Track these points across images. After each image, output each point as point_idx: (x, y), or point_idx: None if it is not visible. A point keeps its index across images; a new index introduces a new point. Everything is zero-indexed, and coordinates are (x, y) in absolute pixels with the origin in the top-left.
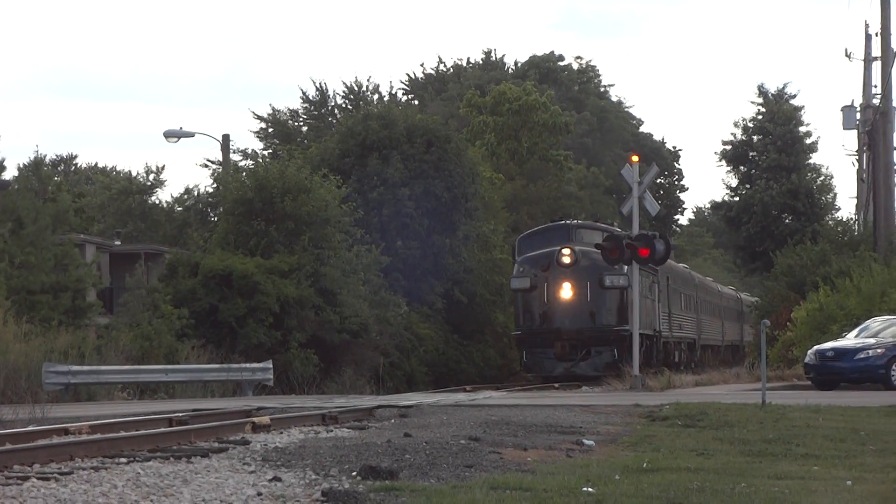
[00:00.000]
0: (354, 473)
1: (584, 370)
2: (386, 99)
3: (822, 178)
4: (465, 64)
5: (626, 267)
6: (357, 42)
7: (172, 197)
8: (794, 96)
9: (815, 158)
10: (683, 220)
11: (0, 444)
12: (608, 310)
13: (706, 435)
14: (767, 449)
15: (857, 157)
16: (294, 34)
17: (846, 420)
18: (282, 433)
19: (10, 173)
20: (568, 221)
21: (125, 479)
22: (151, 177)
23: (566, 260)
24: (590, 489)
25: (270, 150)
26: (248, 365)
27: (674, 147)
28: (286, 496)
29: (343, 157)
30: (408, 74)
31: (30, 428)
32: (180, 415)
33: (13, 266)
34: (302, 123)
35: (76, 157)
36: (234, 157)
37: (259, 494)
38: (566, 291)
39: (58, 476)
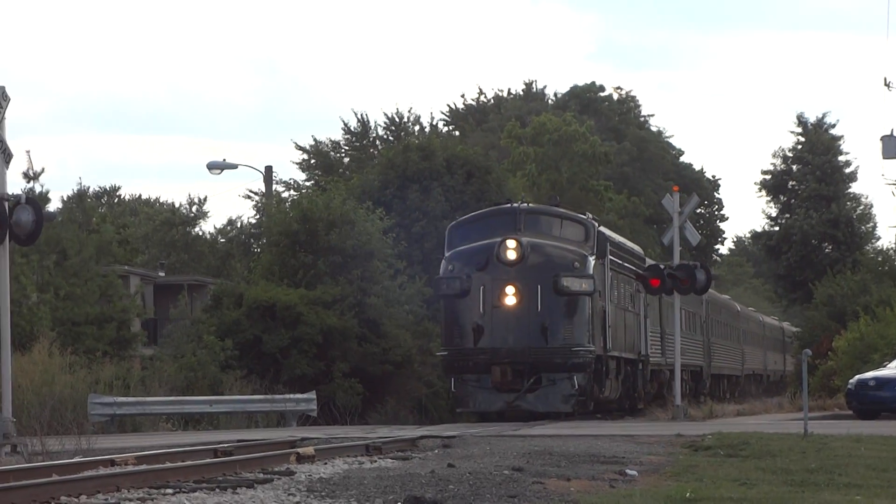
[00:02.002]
0: None
1: (533, 404)
2: (427, 130)
3: (861, 207)
4: (505, 95)
5: (591, 263)
6: (398, 73)
7: (215, 228)
8: (834, 126)
9: (854, 188)
10: (724, 249)
11: (47, 476)
12: (567, 323)
13: (749, 465)
14: (810, 478)
15: None
16: (336, 65)
17: (889, 450)
18: (326, 464)
19: (55, 205)
20: (515, 204)
21: None
22: (194, 208)
23: (510, 255)
24: None
25: (312, 181)
26: (291, 396)
27: (714, 176)
28: None
29: (384, 188)
30: (448, 105)
31: (76, 459)
32: (225, 445)
33: (58, 297)
34: (344, 154)
35: (119, 188)
36: (277, 187)
37: None
38: (509, 298)
39: None
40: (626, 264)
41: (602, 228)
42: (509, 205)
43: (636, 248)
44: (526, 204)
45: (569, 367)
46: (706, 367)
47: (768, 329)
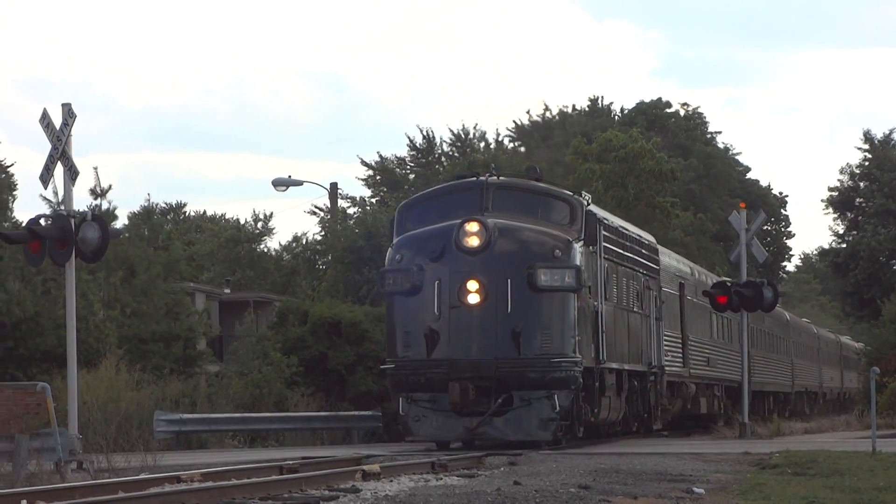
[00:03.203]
0: None
1: (502, 431)
2: (492, 146)
3: None
4: (570, 110)
5: (576, 250)
6: (464, 89)
7: (281, 245)
8: None
9: None
10: (791, 266)
11: (113, 493)
12: (545, 327)
13: (816, 483)
14: (879, 497)
15: None
16: (401, 82)
17: None
18: (392, 481)
19: (122, 222)
20: (482, 177)
21: None
22: (260, 225)
23: (472, 242)
24: None
25: (378, 198)
26: (356, 413)
27: (781, 193)
28: None
29: None
30: (514, 121)
31: (142, 476)
32: (291, 462)
33: (125, 314)
34: (409, 171)
35: (185, 205)
36: (342, 202)
37: None
38: (472, 296)
39: None
40: (628, 254)
41: (593, 208)
42: (475, 178)
43: (644, 235)
44: (495, 177)
45: (548, 382)
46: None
47: (824, 342)
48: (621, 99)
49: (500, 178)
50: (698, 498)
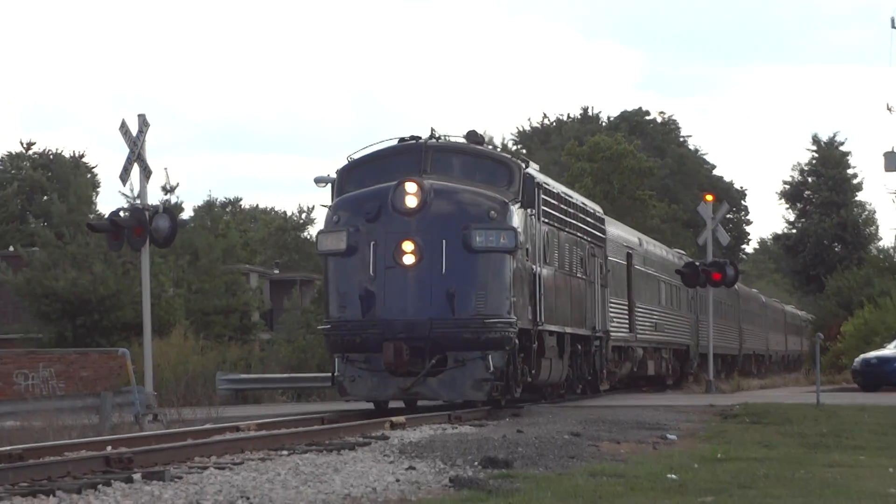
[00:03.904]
0: (476, 463)
1: (435, 391)
2: (499, 149)
3: (866, 212)
4: (565, 118)
5: (513, 212)
6: (475, 100)
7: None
8: (843, 143)
9: (860, 196)
10: (749, 249)
11: (183, 440)
12: (481, 289)
13: (770, 430)
14: (821, 441)
15: None
16: (420, 95)
17: (888, 417)
18: (415, 430)
19: (188, 213)
20: (422, 139)
21: (287, 468)
22: (304, 215)
23: (409, 202)
24: (673, 476)
25: None
26: None
27: (741, 187)
28: (419, 482)
29: None
30: (517, 128)
31: (207, 426)
32: (330, 415)
33: (191, 291)
34: None
35: (241, 199)
36: None
37: (397, 481)
38: (407, 256)
39: (231, 466)
40: (571, 220)
41: (532, 171)
42: (415, 140)
43: (590, 203)
44: (435, 139)
45: (482, 343)
46: (693, 346)
47: (770, 310)
48: (608, 108)
49: (440, 140)
50: (671, 443)
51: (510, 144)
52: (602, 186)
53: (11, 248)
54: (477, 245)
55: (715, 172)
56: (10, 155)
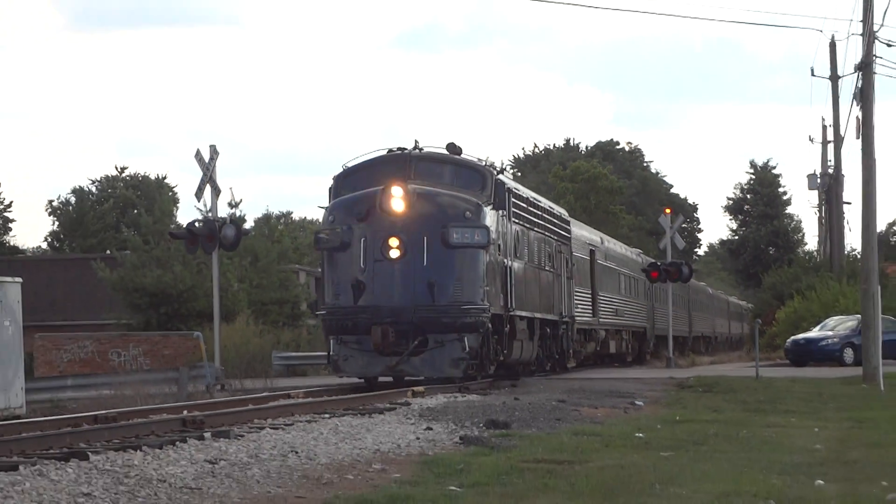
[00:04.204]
0: (481, 425)
1: (418, 369)
2: (485, 162)
3: (794, 222)
4: (552, 147)
5: (486, 213)
6: (479, 130)
7: None
8: (775, 167)
9: (789, 209)
10: (700, 251)
11: (244, 405)
12: (458, 279)
13: (718, 398)
14: (760, 407)
15: (817, 208)
16: (436, 130)
17: (813, 387)
18: (432, 398)
19: (249, 224)
20: (407, 150)
21: (328, 428)
22: None
23: (396, 205)
24: (640, 434)
25: None
26: None
27: (693, 202)
28: (435, 440)
29: None
30: (513, 155)
31: (264, 394)
32: (364, 385)
33: (252, 286)
34: None
35: (292, 212)
36: None
37: (417, 439)
38: (393, 251)
39: (283, 426)
40: (539, 221)
41: (504, 178)
42: (400, 150)
43: (556, 207)
44: (418, 149)
45: (458, 326)
46: (650, 329)
47: (716, 300)
48: (586, 139)
49: (423, 151)
50: (639, 408)
51: (508, 168)
52: (581, 202)
53: (108, 252)
54: (454, 241)
55: (672, 190)
56: (107, 177)
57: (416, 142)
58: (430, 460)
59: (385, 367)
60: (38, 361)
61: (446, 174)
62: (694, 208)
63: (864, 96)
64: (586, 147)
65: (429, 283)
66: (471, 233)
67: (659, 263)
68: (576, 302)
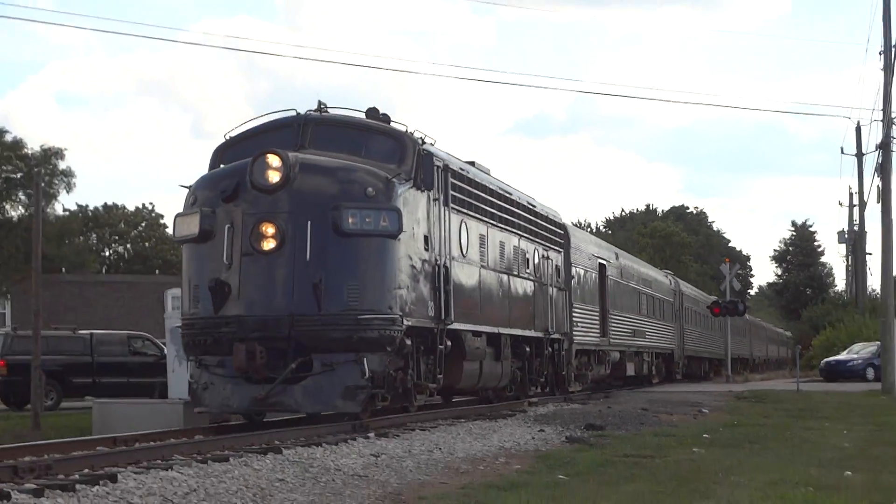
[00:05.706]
0: (582, 427)
1: (298, 401)
2: (593, 231)
3: (827, 269)
4: (635, 211)
5: (398, 190)
6: (576, 198)
7: None
8: (811, 226)
9: (823, 259)
10: (752, 292)
11: (399, 413)
12: (355, 279)
13: (768, 406)
14: (801, 413)
15: (845, 258)
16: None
17: (843, 398)
18: (544, 406)
19: None
20: (303, 112)
21: (464, 430)
22: None
23: (270, 177)
24: (706, 435)
25: None
26: None
27: (747, 254)
28: (547, 439)
29: None
30: (605, 217)
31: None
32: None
33: None
34: None
35: None
36: None
37: (533, 438)
38: (266, 241)
39: (430, 429)
40: (509, 217)
41: (434, 150)
42: (296, 112)
43: (549, 208)
44: (321, 111)
45: (355, 343)
46: (678, 351)
47: (755, 326)
48: (662, 204)
49: (322, 113)
50: (705, 414)
51: (602, 228)
52: (659, 254)
53: None
54: (349, 228)
55: (730, 244)
56: None
57: (320, 102)
58: (543, 455)
59: (251, 399)
60: None
61: (353, 143)
62: (747, 258)
63: (884, 169)
64: (662, 210)
65: (314, 285)
66: (375, 216)
67: (720, 301)
68: (575, 319)
